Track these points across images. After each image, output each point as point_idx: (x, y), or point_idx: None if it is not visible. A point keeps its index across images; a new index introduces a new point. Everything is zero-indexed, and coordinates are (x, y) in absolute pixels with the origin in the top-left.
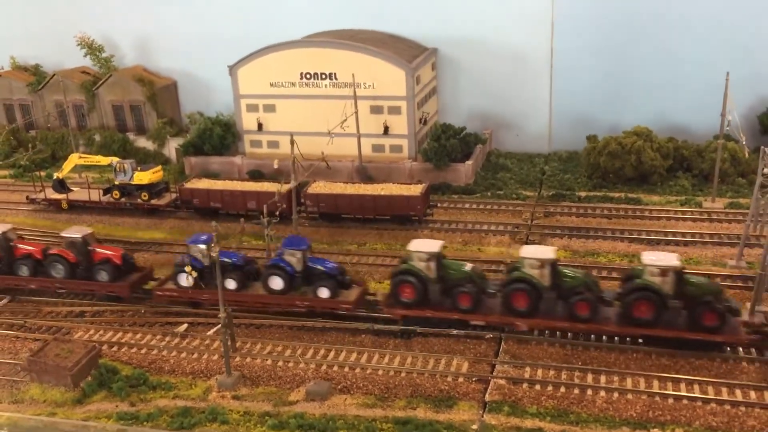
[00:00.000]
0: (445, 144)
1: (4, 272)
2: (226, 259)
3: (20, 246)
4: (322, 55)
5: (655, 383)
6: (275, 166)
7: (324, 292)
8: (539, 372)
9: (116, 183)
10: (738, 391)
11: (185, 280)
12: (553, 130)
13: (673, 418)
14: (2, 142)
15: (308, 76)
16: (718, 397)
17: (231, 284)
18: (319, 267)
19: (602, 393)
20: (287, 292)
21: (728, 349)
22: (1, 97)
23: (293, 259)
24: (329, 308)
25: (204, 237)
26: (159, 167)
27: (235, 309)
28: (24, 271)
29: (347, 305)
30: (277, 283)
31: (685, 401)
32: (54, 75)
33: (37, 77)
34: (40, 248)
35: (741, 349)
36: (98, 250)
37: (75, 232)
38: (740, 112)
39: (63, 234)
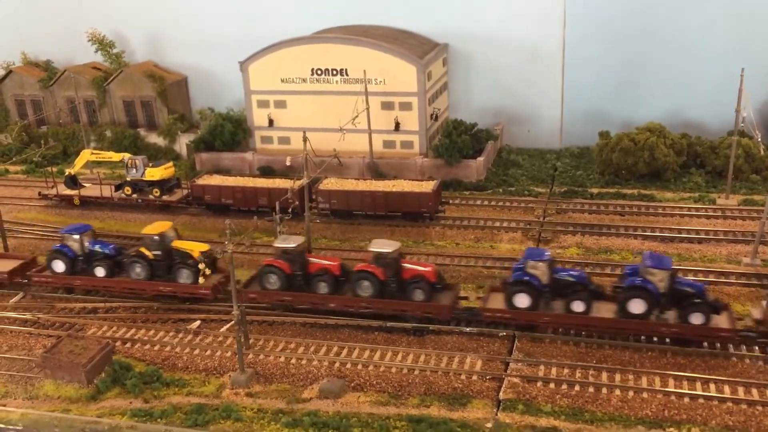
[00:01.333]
0: (456, 140)
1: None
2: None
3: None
4: (333, 51)
5: (671, 382)
6: (288, 164)
7: (697, 318)
8: (553, 370)
9: (128, 179)
10: (754, 390)
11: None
12: (565, 126)
13: (689, 417)
14: (14, 138)
15: (319, 72)
16: (735, 396)
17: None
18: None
19: (617, 391)
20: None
21: (744, 347)
22: (13, 92)
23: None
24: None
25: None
26: (170, 163)
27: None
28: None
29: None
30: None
31: (701, 400)
32: (65, 71)
33: (48, 73)
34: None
35: (757, 347)
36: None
37: (384, 246)
38: (755, 108)
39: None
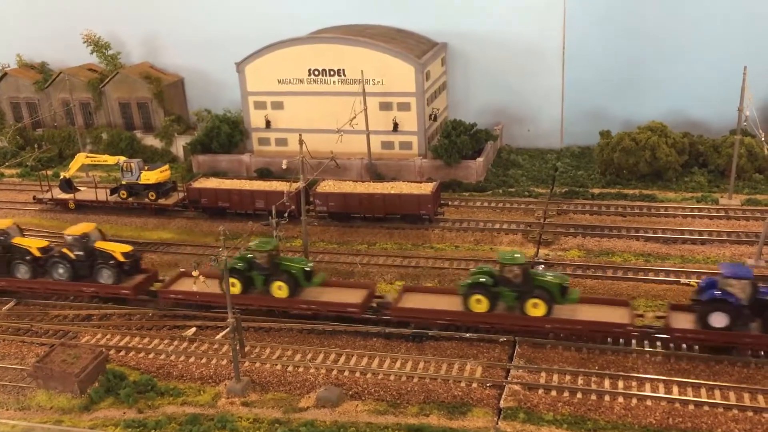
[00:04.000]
0: (455, 141)
1: None
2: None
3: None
4: (330, 52)
5: (675, 389)
6: (284, 167)
7: None
8: (555, 377)
9: (123, 182)
10: (761, 397)
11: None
12: (566, 125)
13: (694, 425)
14: (9, 141)
15: (316, 72)
16: (740, 403)
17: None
18: None
19: (620, 399)
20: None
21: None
22: (8, 95)
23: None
24: None
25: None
26: (166, 166)
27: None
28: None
29: None
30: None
31: (706, 407)
32: (60, 73)
33: (43, 75)
34: None
35: (763, 352)
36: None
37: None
38: (757, 107)
39: None
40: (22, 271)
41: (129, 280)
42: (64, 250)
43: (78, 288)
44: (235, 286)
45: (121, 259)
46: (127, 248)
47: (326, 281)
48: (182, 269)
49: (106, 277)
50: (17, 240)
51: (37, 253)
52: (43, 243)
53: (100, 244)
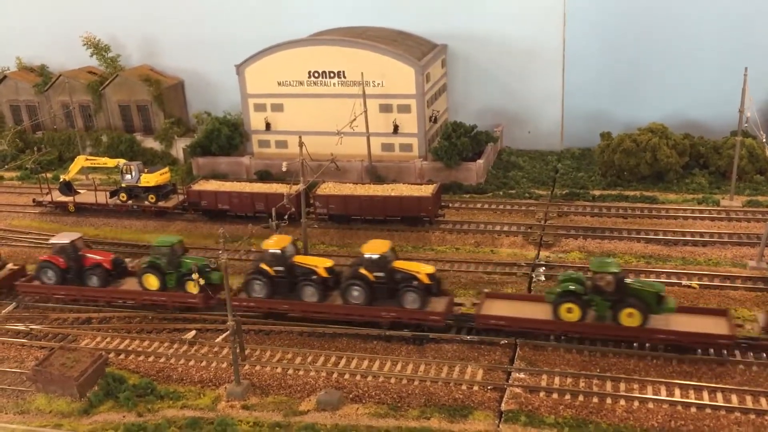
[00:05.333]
0: (456, 142)
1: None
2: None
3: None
4: (330, 54)
5: (677, 391)
6: (284, 169)
7: None
8: (556, 380)
9: (123, 185)
10: (763, 400)
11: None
12: (566, 127)
13: (697, 428)
14: (9, 143)
15: (316, 74)
16: (743, 406)
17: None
18: None
19: (622, 402)
20: None
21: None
22: (8, 98)
23: None
24: None
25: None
26: (166, 169)
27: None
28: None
29: None
30: None
31: (708, 410)
32: (60, 75)
33: (43, 78)
34: None
35: (765, 354)
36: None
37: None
38: (758, 108)
39: None
40: (308, 294)
41: (434, 304)
42: (362, 270)
43: (375, 313)
44: (572, 312)
45: (426, 280)
46: (431, 269)
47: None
48: (486, 290)
49: (410, 301)
50: (300, 259)
51: (324, 273)
52: (329, 262)
53: (399, 264)
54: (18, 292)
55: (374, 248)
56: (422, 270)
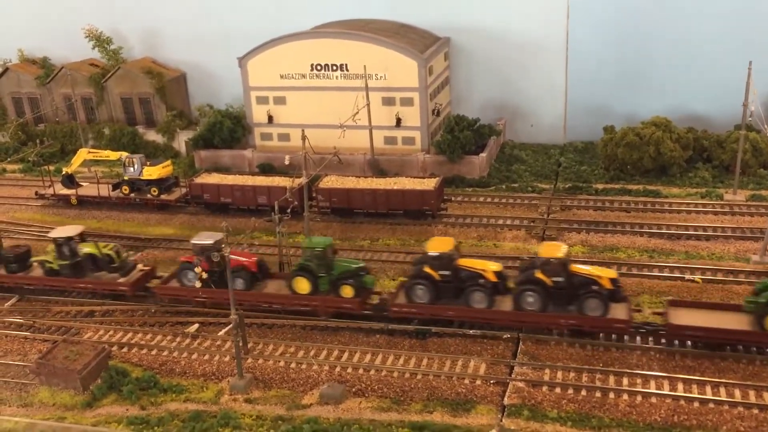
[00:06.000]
0: (458, 136)
1: None
2: None
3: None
4: (332, 46)
5: (680, 386)
6: (287, 162)
7: None
8: (559, 374)
9: (125, 178)
10: (766, 395)
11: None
12: (569, 121)
13: (699, 423)
14: (11, 136)
15: (319, 67)
16: (746, 401)
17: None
18: None
19: (625, 396)
20: None
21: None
22: (10, 90)
23: None
24: None
25: None
26: (168, 162)
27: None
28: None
29: None
30: None
31: (711, 405)
32: (62, 68)
33: (45, 70)
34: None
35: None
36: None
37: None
38: (762, 102)
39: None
40: (477, 299)
41: (615, 310)
42: (538, 274)
43: (553, 320)
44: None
45: (608, 285)
46: (613, 273)
47: None
48: (669, 297)
49: (592, 307)
50: (465, 262)
51: (493, 278)
52: (497, 266)
53: (576, 268)
54: (156, 295)
55: (550, 250)
56: (605, 274)
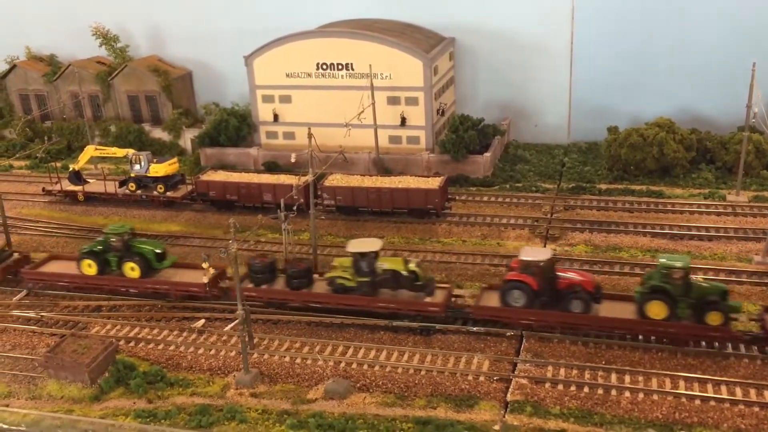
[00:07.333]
0: (463, 135)
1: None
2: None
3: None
4: (338, 46)
5: (681, 383)
6: (292, 160)
7: None
8: (562, 371)
9: (132, 175)
10: (767, 393)
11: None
12: (573, 121)
13: (701, 420)
14: (18, 133)
15: (324, 66)
16: (747, 399)
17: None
18: None
19: (627, 393)
20: None
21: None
22: (17, 87)
23: None
24: None
25: None
26: (175, 159)
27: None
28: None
29: None
30: None
31: (712, 402)
32: (69, 65)
33: (52, 67)
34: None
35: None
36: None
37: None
38: (766, 103)
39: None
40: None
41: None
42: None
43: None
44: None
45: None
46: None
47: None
48: None
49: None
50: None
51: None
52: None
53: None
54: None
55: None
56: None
